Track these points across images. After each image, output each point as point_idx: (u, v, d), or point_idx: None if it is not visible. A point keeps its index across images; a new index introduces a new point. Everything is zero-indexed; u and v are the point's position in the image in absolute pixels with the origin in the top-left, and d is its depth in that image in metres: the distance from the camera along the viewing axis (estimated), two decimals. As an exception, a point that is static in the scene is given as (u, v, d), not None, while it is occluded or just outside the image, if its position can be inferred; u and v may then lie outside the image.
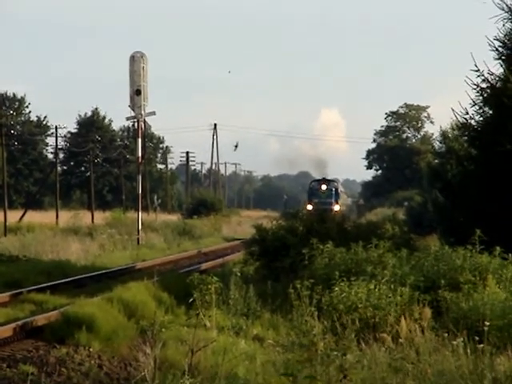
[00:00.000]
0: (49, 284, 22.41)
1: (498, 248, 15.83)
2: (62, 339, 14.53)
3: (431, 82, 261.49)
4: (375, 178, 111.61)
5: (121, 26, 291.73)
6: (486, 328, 10.84)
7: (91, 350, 14.03)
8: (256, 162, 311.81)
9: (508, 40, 21.03)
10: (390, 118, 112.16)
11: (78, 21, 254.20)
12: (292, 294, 14.25)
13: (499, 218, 19.54)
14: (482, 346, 10.14)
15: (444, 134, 37.74)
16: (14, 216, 51.99)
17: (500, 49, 21.00)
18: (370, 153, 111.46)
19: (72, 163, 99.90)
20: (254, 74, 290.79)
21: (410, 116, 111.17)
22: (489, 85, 20.98)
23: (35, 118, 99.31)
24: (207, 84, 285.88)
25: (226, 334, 14.28)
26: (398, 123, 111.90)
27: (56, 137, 66.28)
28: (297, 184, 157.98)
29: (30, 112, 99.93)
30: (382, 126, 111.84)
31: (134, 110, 40.55)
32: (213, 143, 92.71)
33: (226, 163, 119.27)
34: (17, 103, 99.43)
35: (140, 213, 41.38)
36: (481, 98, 21.11)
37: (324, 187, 67.60)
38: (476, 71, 20.80)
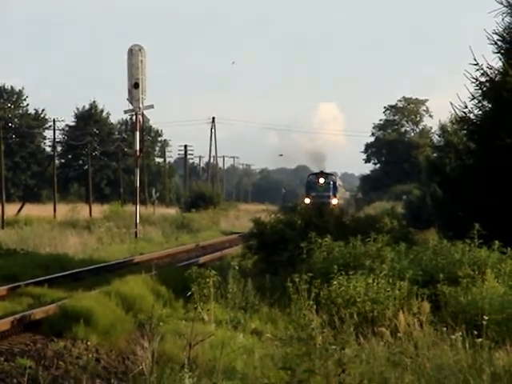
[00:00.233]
0: (47, 277, 22.39)
1: (496, 242, 15.83)
2: (60, 333, 14.54)
3: (430, 76, 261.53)
4: (373, 172, 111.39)
5: (120, 19, 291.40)
6: (484, 322, 10.82)
7: (89, 343, 14.02)
8: (254, 156, 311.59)
9: (507, 34, 21.02)
10: (388, 111, 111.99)
11: (78, 14, 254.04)
12: (290, 288, 14.24)
13: (498, 211, 19.54)
14: (480, 340, 10.10)
15: (443, 128, 37.67)
16: (11, 209, 51.93)
17: (499, 43, 21.01)
18: (368, 146, 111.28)
19: (70, 156, 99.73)
20: (253, 67, 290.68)
21: (408, 110, 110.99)
22: (488, 78, 20.97)
23: (33, 111, 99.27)
24: (206, 78, 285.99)
25: (224, 328, 14.27)
26: (397, 117, 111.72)
27: (54, 130, 66.43)
28: (295, 177, 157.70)
29: (27, 105, 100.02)
30: (381, 120, 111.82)
31: (132, 104, 40.43)
32: (211, 137, 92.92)
33: (224, 156, 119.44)
34: (15, 96, 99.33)
35: (138, 206, 41.27)
36: (480, 91, 21.10)
37: (322, 181, 67.41)
38: (475, 65, 20.80)
